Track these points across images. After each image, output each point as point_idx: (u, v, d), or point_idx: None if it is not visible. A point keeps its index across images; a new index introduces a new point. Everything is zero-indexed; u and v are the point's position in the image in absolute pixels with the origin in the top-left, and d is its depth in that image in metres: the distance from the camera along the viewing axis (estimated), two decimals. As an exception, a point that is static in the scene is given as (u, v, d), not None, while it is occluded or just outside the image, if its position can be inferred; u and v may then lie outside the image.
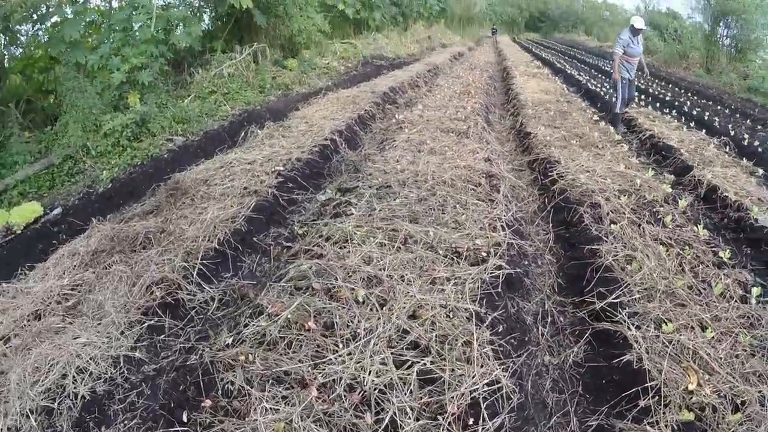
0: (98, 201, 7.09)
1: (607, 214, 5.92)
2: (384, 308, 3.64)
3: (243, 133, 8.78)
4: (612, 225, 5.62)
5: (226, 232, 5.22)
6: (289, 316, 3.61)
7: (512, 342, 3.71)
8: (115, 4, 11.18)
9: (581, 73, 21.40)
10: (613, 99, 11.94)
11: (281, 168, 6.84)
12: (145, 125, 9.00)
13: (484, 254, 4.48)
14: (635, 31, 11.17)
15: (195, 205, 5.89)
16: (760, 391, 3.50)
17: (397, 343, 3.36)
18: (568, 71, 21.78)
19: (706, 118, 13.51)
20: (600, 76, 21.80)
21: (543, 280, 5.06)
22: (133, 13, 10.24)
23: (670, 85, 21.78)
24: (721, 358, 3.75)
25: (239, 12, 12.54)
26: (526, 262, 5.12)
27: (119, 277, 4.52)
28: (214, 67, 12.11)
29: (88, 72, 9.49)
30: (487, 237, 4.74)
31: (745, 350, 3.92)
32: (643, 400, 3.34)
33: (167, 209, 5.86)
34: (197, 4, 13.67)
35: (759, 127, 14.46)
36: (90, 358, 3.60)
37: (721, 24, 32.79)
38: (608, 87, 16.06)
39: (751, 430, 3.23)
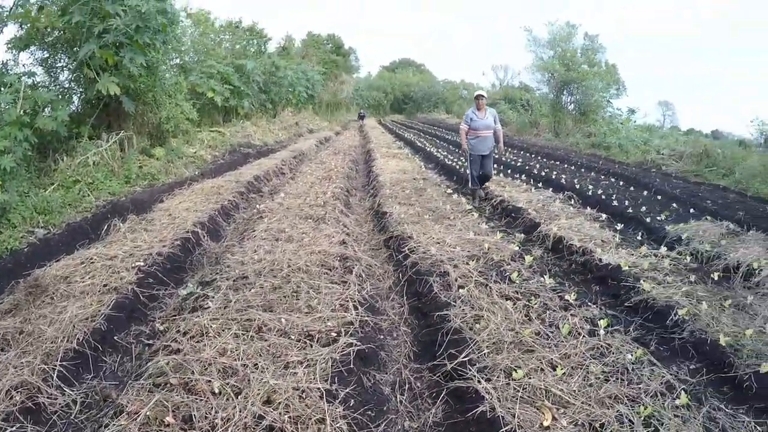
0: (-48, 297, 6.68)
1: (456, 280, 6.28)
2: (239, 397, 3.75)
3: (106, 227, 8.56)
4: (460, 289, 5.98)
5: (86, 331, 5.12)
6: (148, 413, 3.63)
7: (369, 414, 3.92)
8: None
9: (439, 150, 22.73)
10: (467, 175, 12.05)
11: (142, 263, 6.79)
12: (5, 215, 8.49)
13: (335, 334, 4.72)
14: (476, 103, 11.37)
15: (54, 303, 5.74)
16: (618, 411, 3.83)
17: (254, 428, 3.47)
18: (428, 149, 23.10)
19: (553, 176, 14.92)
20: (456, 150, 23.13)
21: (399, 351, 5.33)
22: (0, 90, 9.64)
23: (522, 151, 23.88)
24: (575, 391, 4.07)
25: (107, 97, 12.31)
26: (382, 337, 5.41)
27: (-23, 381, 4.37)
28: (79, 155, 11.68)
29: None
30: (339, 318, 4.99)
31: (599, 378, 4.28)
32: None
33: (26, 308, 5.66)
34: (68, 85, 13.35)
35: (602, 177, 16.22)
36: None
37: (564, 92, 36.14)
38: (464, 161, 15.74)
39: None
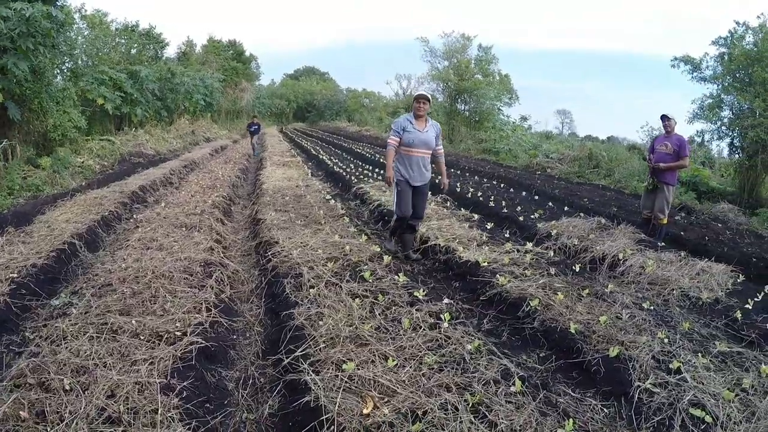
0: None
1: (308, 280, 6.56)
2: (87, 392, 4.05)
3: (-15, 241, 8.35)
4: (311, 290, 6.23)
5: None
6: (6, 410, 3.89)
7: (207, 406, 4.24)
8: None
9: (332, 158, 23.27)
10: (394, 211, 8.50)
11: (15, 275, 6.83)
12: None
13: (180, 334, 5.04)
14: (416, 107, 7.87)
15: (-72, 316, 5.77)
16: (444, 399, 4.00)
17: (96, 419, 3.78)
18: (321, 157, 23.50)
19: (436, 181, 15.65)
20: (349, 157, 23.86)
21: (250, 349, 5.62)
22: None
23: None
24: (404, 381, 4.24)
25: (-9, 104, 11.79)
26: (235, 336, 5.75)
27: None
28: (-40, 167, 11.10)
29: None
30: (189, 319, 5.34)
31: (432, 368, 4.49)
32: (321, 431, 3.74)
33: None
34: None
35: (485, 180, 17.00)
36: None
37: (458, 101, 37.57)
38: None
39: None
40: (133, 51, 31.55)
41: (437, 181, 9.85)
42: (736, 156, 18.64)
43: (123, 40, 30.95)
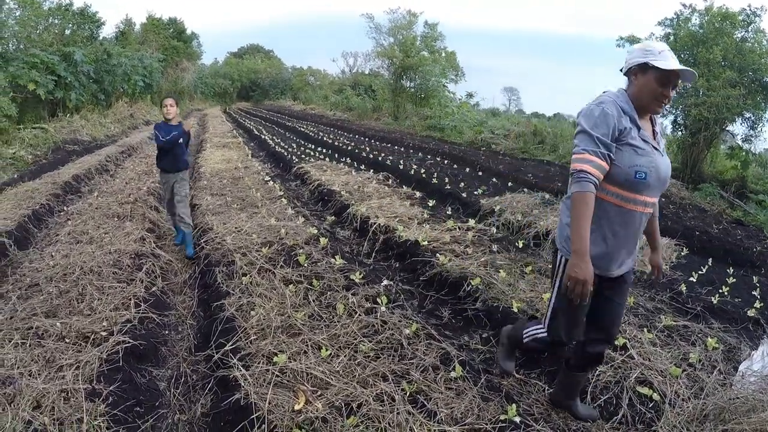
0: None
1: (241, 268, 6.31)
2: (12, 405, 3.82)
3: None
4: (243, 278, 5.97)
5: None
6: None
7: (137, 410, 4.03)
8: None
9: (275, 137, 22.97)
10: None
11: None
12: None
13: (105, 334, 4.78)
14: (663, 94, 3.19)
15: None
16: (380, 389, 3.87)
17: None
18: (263, 137, 23.03)
19: (380, 159, 15.57)
20: (292, 137, 23.98)
21: (182, 345, 5.34)
22: None
23: (358, 135, 24.69)
24: (338, 372, 4.10)
25: None
26: (166, 332, 5.48)
27: None
28: None
29: None
30: (117, 317, 5.10)
31: (368, 356, 4.36)
32: (252, 431, 3.55)
33: None
34: None
35: (429, 156, 16.98)
36: None
37: (404, 77, 37.51)
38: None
39: (370, 426, 3.52)
40: (67, 32, 30.06)
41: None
42: (680, 133, 19.09)
43: (56, 20, 29.48)
